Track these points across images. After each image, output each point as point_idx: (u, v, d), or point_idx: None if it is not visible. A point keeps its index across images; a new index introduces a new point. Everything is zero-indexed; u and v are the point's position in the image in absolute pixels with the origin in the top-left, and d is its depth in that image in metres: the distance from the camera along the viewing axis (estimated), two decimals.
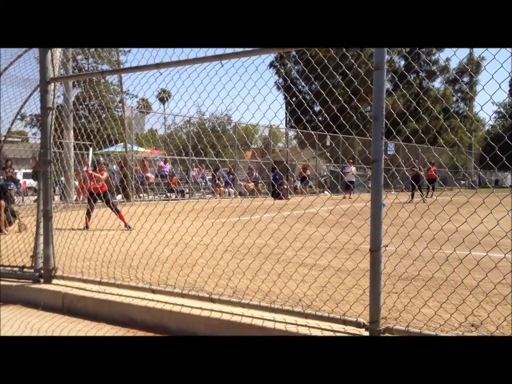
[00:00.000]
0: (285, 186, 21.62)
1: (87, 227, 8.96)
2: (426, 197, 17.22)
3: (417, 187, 18.55)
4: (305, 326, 3.05)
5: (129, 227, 8.76)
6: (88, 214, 9.24)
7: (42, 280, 4.38)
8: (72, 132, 16.24)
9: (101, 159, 11.31)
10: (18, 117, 5.42)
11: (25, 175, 22.16)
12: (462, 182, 36.64)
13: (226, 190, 22.81)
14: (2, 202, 8.97)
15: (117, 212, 9.14)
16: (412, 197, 17.83)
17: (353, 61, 4.20)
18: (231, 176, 22.93)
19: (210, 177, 23.93)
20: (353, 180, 22.36)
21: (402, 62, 37.67)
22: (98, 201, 9.59)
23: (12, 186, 10.30)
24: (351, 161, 23.54)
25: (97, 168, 10.05)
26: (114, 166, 18.43)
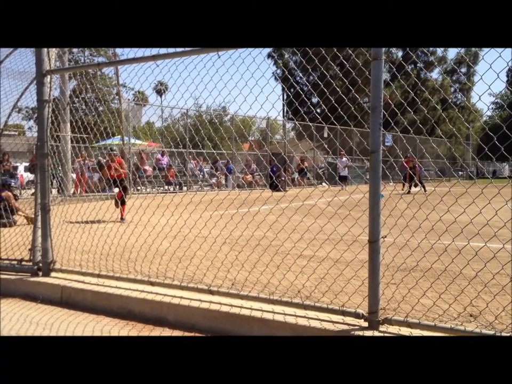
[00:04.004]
0: (283, 178, 21.65)
1: (122, 218, 9.23)
2: (409, 191, 17.13)
3: (415, 178, 18.60)
4: (304, 317, 3.05)
5: (123, 219, 9.02)
6: (123, 203, 9.28)
7: (40, 273, 4.38)
8: (69, 124, 16.20)
9: (115, 148, 11.19)
10: (15, 110, 5.38)
11: (26, 169, 22.12)
12: (460, 172, 36.73)
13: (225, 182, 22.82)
14: (9, 193, 9.13)
15: (123, 202, 9.26)
16: (410, 187, 17.87)
17: (350, 52, 4.18)
18: (230, 166, 22.91)
19: (208, 169, 23.90)
20: (346, 173, 22.56)
21: (400, 53, 37.61)
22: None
23: (13, 183, 10.34)
24: (342, 153, 23.61)
25: (109, 159, 9.99)
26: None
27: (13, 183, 10.47)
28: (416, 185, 18.33)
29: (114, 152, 10.39)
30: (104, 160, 10.39)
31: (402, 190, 17.55)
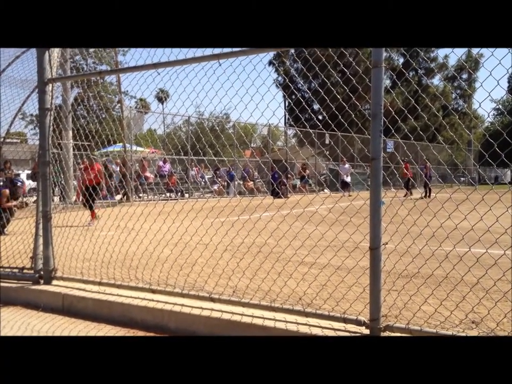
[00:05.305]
0: (284, 185, 21.63)
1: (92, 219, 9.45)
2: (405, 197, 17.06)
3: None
4: (306, 324, 3.05)
5: (90, 224, 9.17)
6: (90, 208, 9.53)
7: (42, 281, 4.38)
8: (70, 132, 16.26)
9: (96, 154, 11.58)
10: (17, 117, 5.40)
11: (28, 177, 22.16)
12: (462, 179, 36.73)
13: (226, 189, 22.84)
14: (7, 191, 9.16)
15: (91, 208, 9.66)
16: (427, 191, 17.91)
17: (351, 59, 4.20)
18: (231, 173, 22.92)
19: (210, 176, 23.93)
20: (348, 179, 22.49)
21: (401, 60, 37.68)
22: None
23: (20, 183, 10.43)
24: (343, 160, 23.54)
25: (91, 163, 10.21)
26: (113, 166, 18.44)
27: (19, 183, 10.55)
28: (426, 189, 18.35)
29: (94, 157, 10.69)
30: (81, 166, 10.66)
31: (405, 196, 17.49)
